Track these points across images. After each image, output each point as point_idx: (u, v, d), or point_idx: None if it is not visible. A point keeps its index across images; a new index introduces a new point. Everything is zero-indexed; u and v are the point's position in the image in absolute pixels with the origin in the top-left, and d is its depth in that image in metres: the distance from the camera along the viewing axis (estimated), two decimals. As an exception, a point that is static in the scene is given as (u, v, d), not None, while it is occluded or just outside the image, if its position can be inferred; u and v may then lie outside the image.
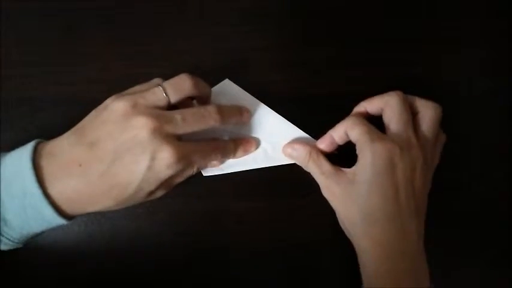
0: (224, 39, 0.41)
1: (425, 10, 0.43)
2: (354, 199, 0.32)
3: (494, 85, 0.43)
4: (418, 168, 0.32)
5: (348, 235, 0.35)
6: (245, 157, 0.36)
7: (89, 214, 0.37)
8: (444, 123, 0.41)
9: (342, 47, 0.42)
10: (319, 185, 0.35)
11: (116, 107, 0.29)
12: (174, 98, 0.30)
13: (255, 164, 0.36)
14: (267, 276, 0.38)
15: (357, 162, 0.33)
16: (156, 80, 0.31)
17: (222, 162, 0.36)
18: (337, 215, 0.35)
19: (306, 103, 0.40)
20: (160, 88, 0.30)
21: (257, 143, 0.36)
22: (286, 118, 0.37)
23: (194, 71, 0.37)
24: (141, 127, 0.28)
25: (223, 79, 0.37)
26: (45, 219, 0.29)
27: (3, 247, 0.30)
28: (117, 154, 0.28)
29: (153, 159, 0.28)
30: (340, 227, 0.36)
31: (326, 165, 0.34)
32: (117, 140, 0.28)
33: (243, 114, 0.35)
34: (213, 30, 0.41)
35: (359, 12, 0.42)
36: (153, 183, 0.29)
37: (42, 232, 0.31)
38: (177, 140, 0.29)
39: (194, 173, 0.34)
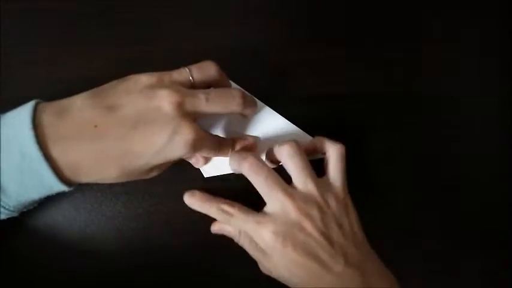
0: (224, 39, 0.41)
1: (426, 11, 0.43)
2: (285, 279, 0.32)
3: (494, 86, 0.43)
4: (302, 223, 0.30)
5: None
6: None
7: (89, 214, 0.37)
8: (443, 123, 0.41)
9: (342, 47, 0.42)
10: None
11: (141, 78, 0.29)
12: (198, 79, 0.30)
13: None
14: (268, 276, 0.38)
15: None
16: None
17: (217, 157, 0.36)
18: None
19: (306, 103, 0.40)
20: (186, 69, 0.30)
21: (256, 141, 0.36)
22: (286, 118, 0.37)
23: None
24: (166, 99, 0.27)
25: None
26: (44, 183, 0.27)
27: None
28: (139, 122, 0.27)
29: (174, 133, 0.27)
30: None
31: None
32: (140, 108, 0.27)
33: (256, 107, 0.35)
34: (213, 30, 0.41)
35: (359, 12, 0.42)
36: (161, 160, 0.29)
37: (40, 199, 0.29)
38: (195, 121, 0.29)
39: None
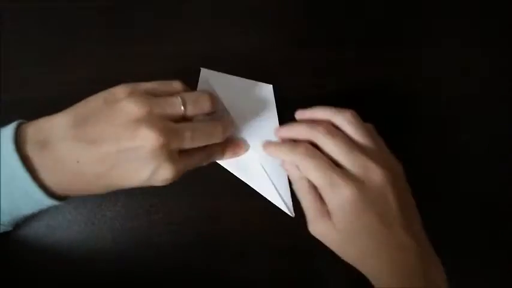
0: (224, 39, 0.41)
1: (425, 11, 0.43)
2: (339, 244, 0.32)
3: (494, 86, 0.43)
4: (386, 189, 0.31)
5: None
6: (245, 169, 0.36)
7: (89, 214, 0.38)
8: (443, 123, 0.41)
9: (341, 47, 0.42)
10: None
11: (128, 108, 0.27)
12: (191, 113, 0.30)
13: (250, 179, 0.36)
14: (268, 276, 0.38)
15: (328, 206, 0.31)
16: (176, 84, 0.31)
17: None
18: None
19: (306, 104, 0.40)
20: (179, 100, 0.29)
21: (246, 146, 0.36)
22: (284, 119, 0.37)
23: (194, 71, 0.37)
24: (150, 140, 0.27)
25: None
26: (35, 199, 0.28)
27: None
28: (119, 159, 0.27)
29: (154, 173, 0.28)
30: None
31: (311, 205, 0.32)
32: (122, 146, 0.27)
33: (233, 128, 0.36)
34: (213, 30, 0.41)
35: (359, 13, 0.42)
36: (145, 186, 0.29)
37: (33, 214, 0.30)
38: (178, 154, 0.29)
39: None
